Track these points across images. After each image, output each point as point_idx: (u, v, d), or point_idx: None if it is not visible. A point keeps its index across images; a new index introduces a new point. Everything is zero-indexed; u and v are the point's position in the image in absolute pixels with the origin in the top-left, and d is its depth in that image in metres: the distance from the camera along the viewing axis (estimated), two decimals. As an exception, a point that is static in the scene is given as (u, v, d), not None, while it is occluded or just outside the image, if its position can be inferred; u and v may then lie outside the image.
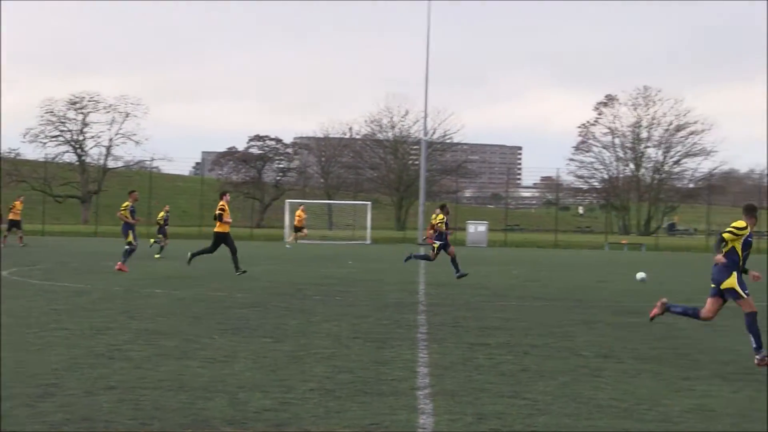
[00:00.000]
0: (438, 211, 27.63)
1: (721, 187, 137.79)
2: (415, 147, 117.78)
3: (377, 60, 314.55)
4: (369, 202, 75.32)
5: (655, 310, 13.57)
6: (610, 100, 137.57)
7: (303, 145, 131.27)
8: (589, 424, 8.52)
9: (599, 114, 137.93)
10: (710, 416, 8.97)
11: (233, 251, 26.13)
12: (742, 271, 12.55)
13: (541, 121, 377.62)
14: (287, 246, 50.35)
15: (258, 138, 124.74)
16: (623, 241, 75.44)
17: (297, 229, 53.49)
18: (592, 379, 10.79)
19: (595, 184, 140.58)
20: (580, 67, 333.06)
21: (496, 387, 10.11)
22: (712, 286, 12.68)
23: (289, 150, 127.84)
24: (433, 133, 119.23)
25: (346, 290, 22.75)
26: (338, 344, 13.13)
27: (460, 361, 11.80)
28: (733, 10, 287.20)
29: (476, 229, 69.06)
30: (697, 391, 10.21)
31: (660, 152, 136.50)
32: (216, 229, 26.56)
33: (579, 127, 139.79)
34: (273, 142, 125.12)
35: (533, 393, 9.82)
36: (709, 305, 12.77)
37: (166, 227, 38.77)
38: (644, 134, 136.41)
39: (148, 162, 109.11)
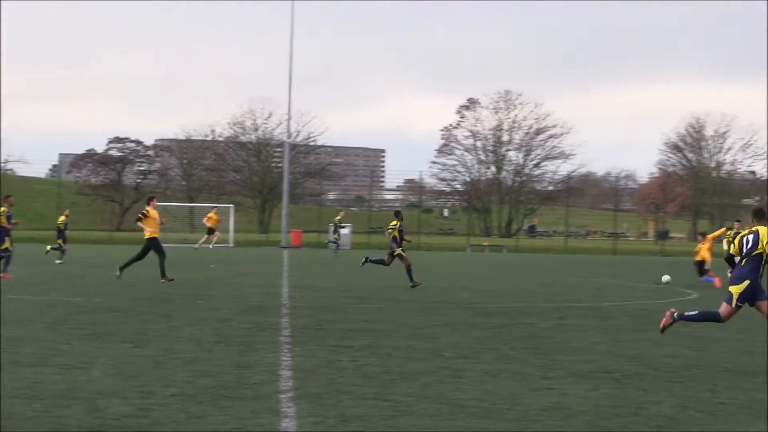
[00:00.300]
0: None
1: (579, 190, 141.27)
2: (278, 149, 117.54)
3: (240, 61, 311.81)
4: (232, 205, 74.76)
5: None
6: (472, 104, 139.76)
7: (164, 147, 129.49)
8: (451, 424, 8.58)
9: (461, 117, 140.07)
10: (567, 414, 9.13)
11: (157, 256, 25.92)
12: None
13: (404, 124, 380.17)
14: (195, 248, 48.80)
15: (118, 140, 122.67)
16: (485, 243, 76.55)
17: (210, 231, 52.36)
18: (454, 379, 10.89)
19: (458, 186, 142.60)
20: (444, 69, 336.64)
21: (359, 389, 10.12)
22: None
23: (150, 152, 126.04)
24: (297, 135, 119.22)
25: (208, 294, 22.50)
26: (200, 348, 12.97)
27: (323, 364, 11.78)
28: (593, 10, 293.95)
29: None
30: (555, 389, 10.39)
31: (521, 155, 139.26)
32: (146, 236, 26.21)
33: (442, 130, 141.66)
34: (133, 144, 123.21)
35: (396, 394, 9.85)
36: (761, 308, 12.54)
37: (65, 231, 38.18)
38: (505, 137, 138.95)
39: (2, 164, 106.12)
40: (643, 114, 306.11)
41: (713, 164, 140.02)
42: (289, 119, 76.47)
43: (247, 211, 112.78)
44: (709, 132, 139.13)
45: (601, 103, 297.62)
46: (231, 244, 65.48)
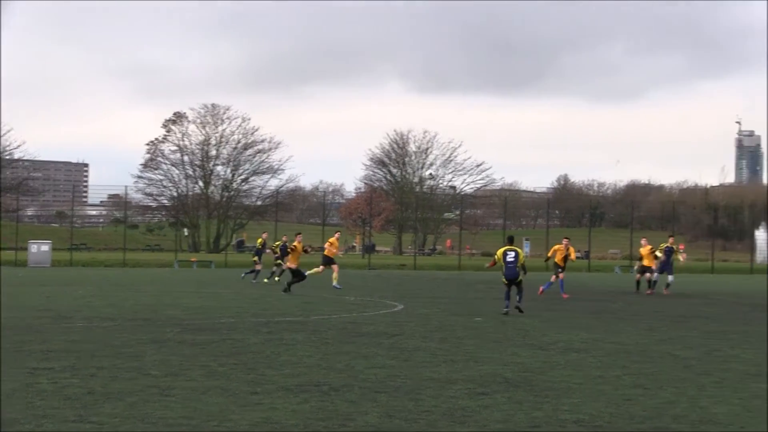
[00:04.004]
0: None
1: (288, 204, 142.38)
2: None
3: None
4: None
5: None
6: (178, 118, 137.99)
7: None
8: (158, 444, 8.37)
9: (168, 131, 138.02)
10: (276, 428, 9.12)
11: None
12: None
13: (108, 138, 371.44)
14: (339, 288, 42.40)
15: None
16: (193, 259, 75.74)
17: (328, 261, 43.96)
18: (161, 398, 10.65)
19: (165, 201, 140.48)
20: (152, 83, 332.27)
21: (60, 412, 9.71)
22: None
23: None
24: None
25: None
26: None
27: (21, 388, 11.24)
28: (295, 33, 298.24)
29: (39, 248, 66.62)
30: (265, 404, 10.35)
31: (229, 170, 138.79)
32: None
33: (147, 144, 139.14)
34: None
35: (100, 416, 9.53)
36: None
37: None
38: (213, 152, 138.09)
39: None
40: (350, 130, 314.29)
41: (416, 179, 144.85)
42: (-17, 132, 73.03)
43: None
44: (412, 148, 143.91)
45: (305, 119, 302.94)
46: None
